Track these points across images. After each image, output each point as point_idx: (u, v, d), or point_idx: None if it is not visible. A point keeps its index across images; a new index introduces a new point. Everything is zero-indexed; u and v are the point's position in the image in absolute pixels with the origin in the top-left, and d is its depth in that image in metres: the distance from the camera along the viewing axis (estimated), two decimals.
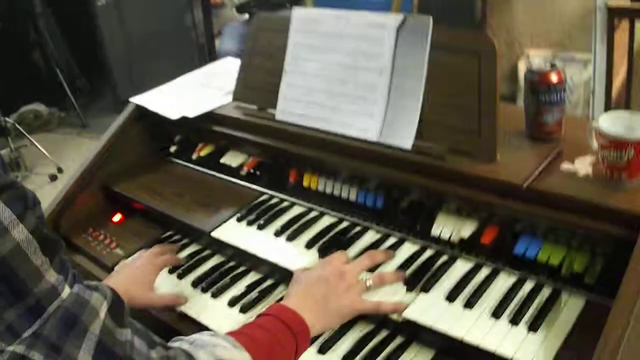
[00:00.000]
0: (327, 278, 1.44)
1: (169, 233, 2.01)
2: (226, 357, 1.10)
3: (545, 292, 1.44)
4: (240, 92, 2.04)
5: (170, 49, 5.69)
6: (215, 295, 1.69)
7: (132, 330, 0.95)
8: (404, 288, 1.51)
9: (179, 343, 1.11)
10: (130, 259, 1.83)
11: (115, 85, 6.03)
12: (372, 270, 1.56)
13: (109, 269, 1.87)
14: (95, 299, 0.89)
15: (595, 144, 1.48)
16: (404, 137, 1.63)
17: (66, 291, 0.86)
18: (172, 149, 2.25)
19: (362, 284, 1.48)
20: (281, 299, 1.61)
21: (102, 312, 0.89)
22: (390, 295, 1.49)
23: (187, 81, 2.38)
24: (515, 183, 1.48)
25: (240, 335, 1.20)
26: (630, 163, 1.40)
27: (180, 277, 1.79)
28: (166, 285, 1.77)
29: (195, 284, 1.75)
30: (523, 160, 1.56)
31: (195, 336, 1.15)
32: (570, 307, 1.40)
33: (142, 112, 2.24)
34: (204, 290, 1.72)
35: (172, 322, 1.65)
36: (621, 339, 1.18)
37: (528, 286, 1.46)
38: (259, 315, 1.33)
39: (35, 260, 0.80)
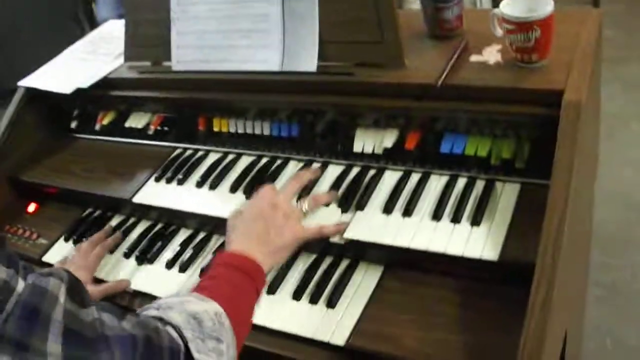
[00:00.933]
0: (261, 213, 1.39)
1: (88, 211, 1.94)
2: (197, 309, 1.06)
3: (479, 185, 1.44)
4: (131, 52, 1.95)
5: (45, 25, 5.40)
6: (151, 261, 1.64)
7: (96, 308, 0.90)
8: (339, 210, 1.49)
9: (146, 312, 1.06)
10: (59, 263, 1.72)
11: None
12: (302, 197, 1.53)
13: (38, 262, 1.80)
14: (53, 285, 0.84)
15: (499, 32, 1.48)
16: (307, 61, 1.59)
17: (20, 284, 0.80)
18: (73, 124, 2.15)
19: (297, 210, 1.45)
20: (218, 249, 1.58)
21: (62, 297, 0.84)
22: (327, 220, 1.46)
23: (72, 53, 2.27)
24: (429, 83, 1.46)
25: (202, 290, 1.16)
26: (538, 43, 1.39)
27: (111, 252, 1.73)
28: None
29: (127, 255, 1.69)
30: (431, 60, 1.54)
31: (160, 301, 1.10)
32: (507, 194, 1.40)
33: (33, 95, 2.12)
34: (139, 260, 1.66)
35: (124, 303, 1.59)
36: (564, 215, 1.19)
37: (461, 182, 1.46)
38: (208, 268, 1.29)
39: None
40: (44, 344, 0.78)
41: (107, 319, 0.90)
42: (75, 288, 0.87)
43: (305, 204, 1.47)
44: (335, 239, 1.44)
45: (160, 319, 1.02)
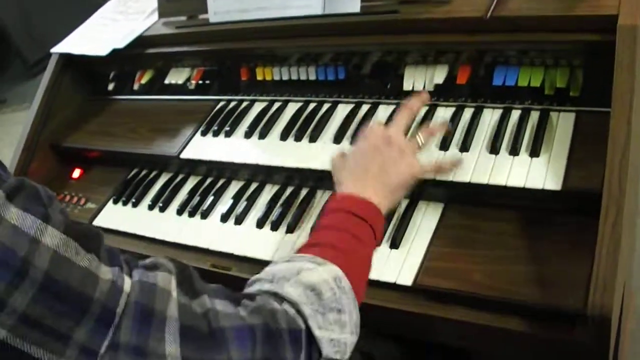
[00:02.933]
0: (377, 147, 1.26)
1: (134, 171, 1.93)
2: (315, 279, 0.98)
3: (534, 116, 1.41)
4: (165, 7, 1.92)
5: None
6: (204, 216, 1.63)
7: (208, 296, 0.86)
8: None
9: (259, 285, 1.00)
10: None
11: (18, 50, 5.74)
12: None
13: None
14: (162, 279, 0.79)
15: None
16: (350, 1, 1.55)
17: (127, 283, 0.75)
18: (110, 86, 2.14)
19: (412, 143, 1.32)
20: (272, 199, 1.57)
21: (174, 291, 0.79)
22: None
23: (103, 15, 2.25)
24: (477, 16, 1.43)
25: (316, 248, 1.07)
26: None
27: (162, 210, 1.72)
28: (150, 222, 1.70)
29: (180, 212, 1.68)
30: None
31: (274, 269, 1.02)
32: (563, 123, 1.38)
33: (67, 61, 2.11)
34: (191, 215, 1.65)
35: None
36: (628, 141, 1.17)
37: (515, 114, 1.44)
38: (321, 215, 1.21)
39: (81, 261, 0.69)
40: (162, 345, 0.74)
41: (222, 308, 0.86)
42: (185, 277, 0.83)
43: (420, 137, 1.34)
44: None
45: (275, 294, 0.96)
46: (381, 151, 1.26)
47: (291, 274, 0.98)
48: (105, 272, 0.72)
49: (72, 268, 0.68)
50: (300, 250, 1.09)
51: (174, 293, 0.78)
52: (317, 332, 0.93)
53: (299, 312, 0.93)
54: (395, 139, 1.29)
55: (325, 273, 0.99)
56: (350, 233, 1.11)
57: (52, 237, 0.66)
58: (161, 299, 0.76)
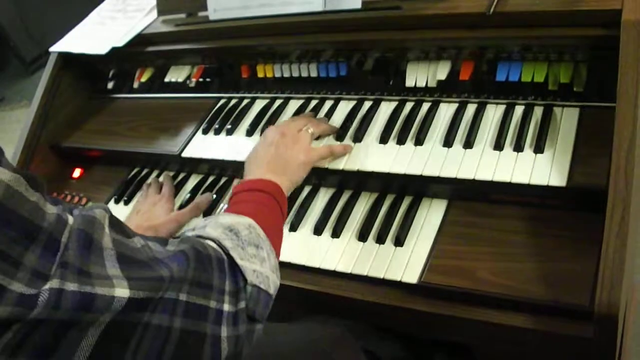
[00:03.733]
0: (271, 141, 1.46)
1: (135, 170, 1.92)
2: (231, 221, 1.11)
3: (538, 112, 1.41)
4: (164, 5, 1.91)
5: None
6: (207, 215, 1.61)
7: (141, 237, 0.92)
8: (397, 146, 1.47)
9: (182, 236, 1.09)
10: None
11: (16, 47, 5.72)
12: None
13: None
14: (99, 214, 0.85)
15: None
16: None
17: (70, 218, 0.81)
18: (110, 85, 2.12)
19: (304, 132, 1.50)
20: None
21: (107, 227, 0.85)
22: (399, 156, 1.45)
23: (101, 13, 2.24)
24: (480, 12, 1.42)
25: (231, 210, 1.21)
26: None
27: None
28: None
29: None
30: None
31: (193, 224, 1.21)
32: (567, 119, 1.37)
33: (66, 60, 2.10)
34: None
35: None
36: (633, 137, 1.16)
37: (519, 110, 1.43)
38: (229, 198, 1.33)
39: (31, 196, 0.75)
40: (104, 269, 0.80)
41: (153, 246, 0.93)
42: (116, 221, 0.89)
43: (310, 128, 1.51)
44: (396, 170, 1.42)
45: (199, 236, 1.05)
46: (276, 142, 1.45)
47: (209, 221, 1.12)
48: (51, 208, 0.77)
49: (22, 200, 0.73)
50: None
51: (107, 229, 0.84)
52: (239, 262, 1.03)
53: (220, 246, 1.04)
54: (288, 131, 1.49)
55: (240, 219, 1.13)
56: (256, 202, 1.25)
57: (3, 173, 0.72)
58: (99, 230, 0.82)
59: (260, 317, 1.04)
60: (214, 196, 1.63)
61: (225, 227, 1.08)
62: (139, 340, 0.84)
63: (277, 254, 1.18)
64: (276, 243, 1.19)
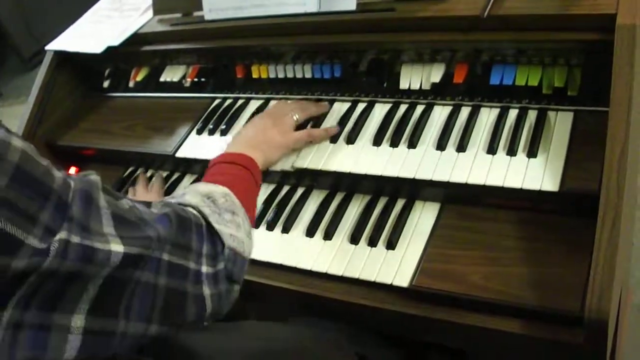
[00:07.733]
0: (253, 122, 1.55)
1: (130, 170, 1.92)
2: (208, 189, 1.18)
3: (532, 115, 1.41)
4: (160, 4, 1.91)
5: None
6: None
7: (127, 200, 0.97)
8: (390, 148, 1.47)
9: (161, 203, 1.14)
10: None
11: (16, 44, 5.71)
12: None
13: None
14: (94, 177, 0.91)
15: None
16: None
17: (72, 182, 0.86)
18: (105, 84, 2.12)
19: (288, 118, 1.56)
20: (268, 199, 1.58)
21: (100, 191, 0.90)
22: (392, 159, 1.45)
23: (97, 12, 2.23)
24: (474, 15, 1.42)
25: (209, 180, 1.28)
26: None
27: None
28: None
29: None
30: None
31: (172, 195, 1.23)
32: (560, 123, 1.37)
33: (62, 58, 2.09)
34: None
35: None
36: (626, 142, 1.16)
37: (513, 114, 1.43)
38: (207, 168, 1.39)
39: (42, 161, 0.81)
40: (101, 227, 0.85)
41: (141, 207, 0.99)
42: (106, 186, 0.94)
43: (296, 114, 1.56)
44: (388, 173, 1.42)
45: (179, 204, 1.11)
46: (258, 123, 1.53)
47: (188, 189, 1.20)
48: (57, 172, 0.83)
49: (36, 164, 0.79)
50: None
51: (100, 192, 0.89)
52: (216, 226, 1.09)
53: (199, 212, 1.11)
54: (273, 114, 1.57)
55: (217, 188, 1.20)
56: (230, 173, 1.33)
57: (17, 141, 0.78)
58: (96, 191, 0.88)
59: (237, 279, 1.11)
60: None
61: (203, 195, 1.16)
62: (131, 296, 0.91)
63: (252, 221, 1.24)
64: (250, 210, 1.26)
